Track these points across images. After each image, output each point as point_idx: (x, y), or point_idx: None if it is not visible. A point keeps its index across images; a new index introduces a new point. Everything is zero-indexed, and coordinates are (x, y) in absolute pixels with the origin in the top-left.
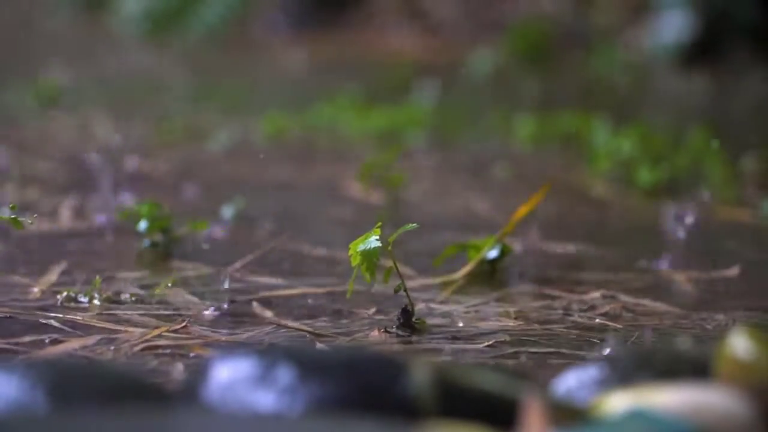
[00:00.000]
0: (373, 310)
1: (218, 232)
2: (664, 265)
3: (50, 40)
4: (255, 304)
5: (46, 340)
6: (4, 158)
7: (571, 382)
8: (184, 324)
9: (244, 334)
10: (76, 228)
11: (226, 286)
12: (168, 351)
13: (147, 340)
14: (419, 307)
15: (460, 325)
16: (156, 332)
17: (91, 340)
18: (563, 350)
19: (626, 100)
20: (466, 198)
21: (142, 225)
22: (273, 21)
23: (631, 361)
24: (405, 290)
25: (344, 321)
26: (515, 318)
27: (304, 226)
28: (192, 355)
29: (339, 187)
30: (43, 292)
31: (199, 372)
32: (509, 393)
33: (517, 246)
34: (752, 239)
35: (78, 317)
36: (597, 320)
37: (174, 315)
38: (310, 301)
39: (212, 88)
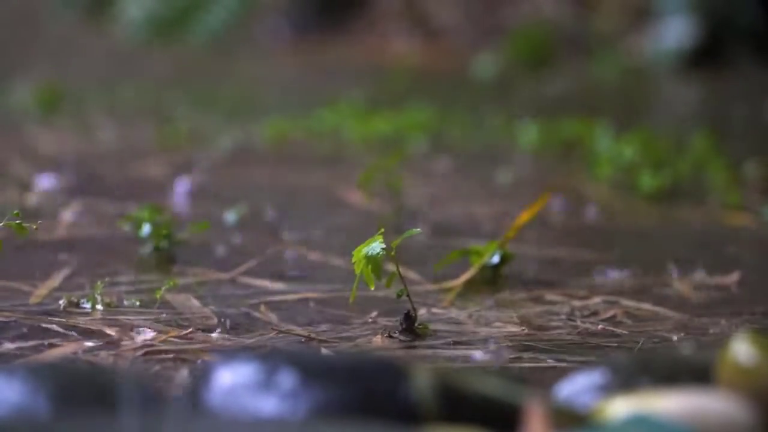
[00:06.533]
0: (375, 315)
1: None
2: (665, 270)
3: (52, 44)
4: (258, 308)
5: (48, 345)
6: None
7: (572, 387)
8: (190, 330)
9: (246, 339)
10: (79, 233)
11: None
12: (170, 356)
13: (149, 345)
14: (421, 312)
15: (462, 330)
16: (162, 337)
17: (93, 344)
18: (565, 355)
19: (628, 105)
20: (468, 203)
21: (145, 230)
22: (275, 26)
23: (633, 367)
24: (408, 295)
25: (347, 326)
26: (517, 323)
27: (307, 231)
28: (198, 361)
29: (341, 192)
30: (45, 296)
31: (201, 377)
32: (511, 398)
33: (519, 251)
34: (755, 244)
35: (80, 322)
36: (600, 326)
37: (177, 319)
38: (312, 305)
39: (214, 92)
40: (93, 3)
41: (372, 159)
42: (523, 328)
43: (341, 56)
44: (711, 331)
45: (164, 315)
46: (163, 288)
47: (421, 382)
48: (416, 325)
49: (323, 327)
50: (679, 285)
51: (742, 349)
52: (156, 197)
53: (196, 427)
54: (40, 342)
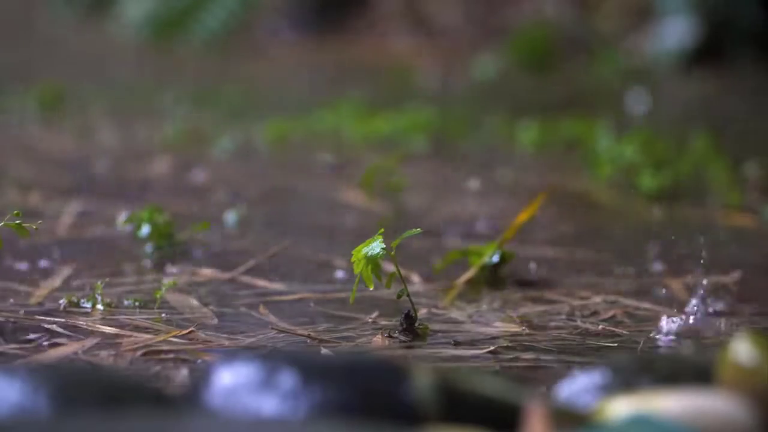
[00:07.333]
0: (375, 315)
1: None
2: (666, 270)
3: (52, 44)
4: (258, 309)
5: (48, 345)
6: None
7: (573, 387)
8: (190, 330)
9: (246, 339)
10: (79, 233)
11: None
12: (171, 356)
13: (150, 345)
14: (422, 312)
15: (463, 330)
16: (163, 337)
17: (93, 344)
18: (565, 355)
19: (629, 105)
20: (468, 203)
21: (145, 230)
22: (276, 26)
23: (633, 367)
24: (408, 296)
25: (347, 326)
26: (517, 323)
27: (307, 231)
28: (199, 361)
29: (341, 192)
30: (45, 297)
31: (201, 376)
32: (511, 398)
33: (518, 251)
34: (755, 244)
35: (81, 322)
36: (600, 326)
37: (177, 319)
38: (312, 305)
39: (215, 92)
40: (93, 3)
41: (372, 159)
42: (524, 328)
43: (341, 56)
44: (712, 331)
45: (164, 315)
46: (163, 288)
47: (422, 382)
48: (416, 325)
49: (323, 327)
50: (680, 284)
51: (742, 350)
52: (157, 197)
53: (197, 427)
54: (40, 342)
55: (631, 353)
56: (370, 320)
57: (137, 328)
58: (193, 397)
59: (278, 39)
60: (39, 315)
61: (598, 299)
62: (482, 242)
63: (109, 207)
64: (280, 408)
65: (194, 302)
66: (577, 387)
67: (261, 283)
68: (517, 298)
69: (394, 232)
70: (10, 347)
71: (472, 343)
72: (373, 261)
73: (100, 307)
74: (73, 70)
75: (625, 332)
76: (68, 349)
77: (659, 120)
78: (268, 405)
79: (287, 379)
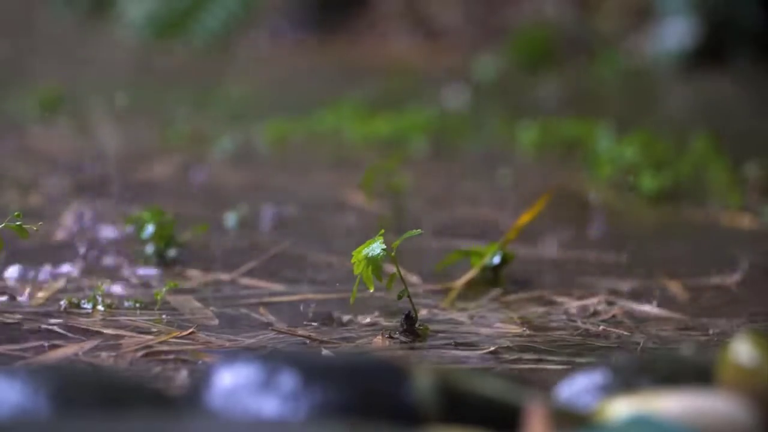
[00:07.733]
0: (376, 315)
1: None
2: (666, 270)
3: (53, 45)
4: (258, 309)
5: (49, 346)
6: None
7: (573, 387)
8: (191, 331)
9: (246, 340)
10: (81, 234)
11: None
12: (171, 357)
13: (151, 346)
14: (422, 313)
15: (463, 330)
16: (163, 338)
17: (93, 345)
18: (566, 356)
19: (629, 106)
20: (468, 204)
21: (147, 231)
22: (276, 27)
23: (634, 367)
24: (408, 296)
25: (347, 327)
26: (518, 324)
27: (307, 232)
28: (199, 362)
29: (342, 193)
30: (46, 298)
31: (202, 377)
32: (512, 399)
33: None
34: (755, 244)
35: (81, 323)
36: (600, 327)
37: (178, 320)
38: (313, 306)
39: (215, 93)
40: (94, 4)
41: (373, 160)
42: (524, 328)
43: (341, 57)
44: (711, 331)
45: (165, 316)
46: (164, 289)
47: (422, 382)
48: (417, 325)
49: (324, 328)
50: (680, 285)
51: (742, 350)
52: (157, 198)
53: (197, 428)
54: (41, 343)
55: (631, 353)
56: (370, 321)
57: (138, 329)
58: (193, 398)
59: (278, 39)
60: (40, 316)
61: (598, 299)
62: (483, 243)
63: (110, 208)
64: (281, 409)
65: (195, 303)
66: (578, 387)
67: (261, 283)
68: (518, 299)
69: (396, 233)
70: (11, 348)
71: (473, 344)
72: (373, 262)
73: (100, 308)
74: (73, 70)
75: (625, 332)
76: (69, 350)
77: (659, 120)
78: (269, 406)
79: (288, 380)
